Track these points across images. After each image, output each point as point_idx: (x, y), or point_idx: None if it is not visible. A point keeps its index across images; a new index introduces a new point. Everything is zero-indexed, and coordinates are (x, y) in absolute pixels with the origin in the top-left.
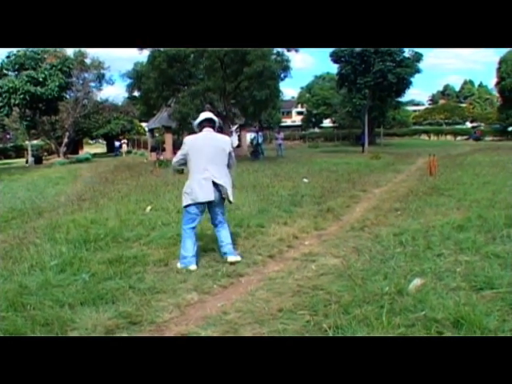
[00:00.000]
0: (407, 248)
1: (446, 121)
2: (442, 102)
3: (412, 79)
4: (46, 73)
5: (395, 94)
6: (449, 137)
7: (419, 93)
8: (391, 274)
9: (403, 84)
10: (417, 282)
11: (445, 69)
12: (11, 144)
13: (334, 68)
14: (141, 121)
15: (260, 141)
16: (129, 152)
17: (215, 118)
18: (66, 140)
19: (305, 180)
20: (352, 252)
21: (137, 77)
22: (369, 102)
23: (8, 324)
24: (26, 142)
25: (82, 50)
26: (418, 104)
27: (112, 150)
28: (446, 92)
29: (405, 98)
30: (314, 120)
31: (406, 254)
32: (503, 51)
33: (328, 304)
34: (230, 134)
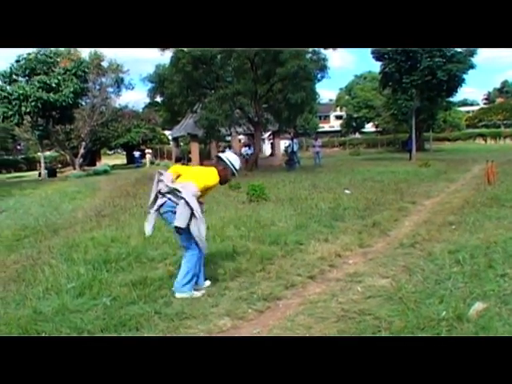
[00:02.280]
0: (465, 267)
1: (505, 122)
2: (499, 100)
3: (465, 76)
4: (60, 78)
5: (446, 93)
6: (508, 140)
7: (473, 91)
8: (448, 297)
9: (455, 82)
10: (478, 306)
11: (503, 63)
12: (22, 156)
13: (376, 66)
14: (164, 129)
15: (295, 149)
16: (152, 163)
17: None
18: (82, 151)
19: (346, 191)
20: (402, 272)
21: (159, 81)
22: (416, 103)
23: None
24: (39, 154)
25: (99, 52)
26: (471, 104)
27: (132, 161)
28: (504, 89)
29: (457, 98)
30: (354, 124)
31: (464, 274)
32: None
33: (377, 331)
34: (261, 141)
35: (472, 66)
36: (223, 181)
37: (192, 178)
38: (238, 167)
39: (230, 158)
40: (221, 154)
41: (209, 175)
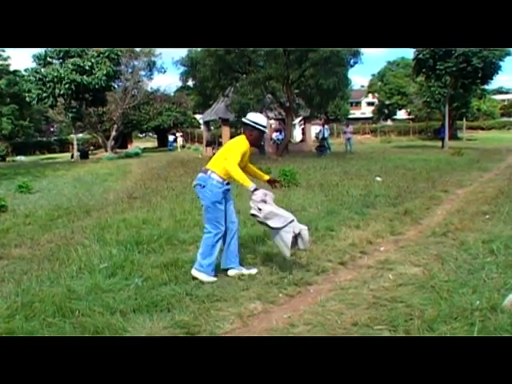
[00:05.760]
0: (499, 257)
1: None
2: None
3: (501, 63)
4: (93, 60)
5: (481, 80)
6: None
7: (509, 79)
8: (481, 287)
9: (490, 69)
10: None
11: None
12: (55, 137)
13: (409, 52)
14: (194, 112)
15: (326, 135)
16: (183, 146)
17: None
18: (113, 133)
19: (378, 178)
20: (434, 260)
21: (191, 64)
22: (450, 90)
23: (55, 331)
24: (72, 136)
25: None
26: (507, 92)
27: (164, 144)
28: None
29: (492, 86)
30: (386, 111)
31: (498, 265)
32: None
33: (409, 319)
34: (292, 126)
35: (509, 53)
36: (255, 143)
37: (223, 156)
38: (264, 124)
39: (253, 118)
40: (243, 119)
41: (235, 143)
